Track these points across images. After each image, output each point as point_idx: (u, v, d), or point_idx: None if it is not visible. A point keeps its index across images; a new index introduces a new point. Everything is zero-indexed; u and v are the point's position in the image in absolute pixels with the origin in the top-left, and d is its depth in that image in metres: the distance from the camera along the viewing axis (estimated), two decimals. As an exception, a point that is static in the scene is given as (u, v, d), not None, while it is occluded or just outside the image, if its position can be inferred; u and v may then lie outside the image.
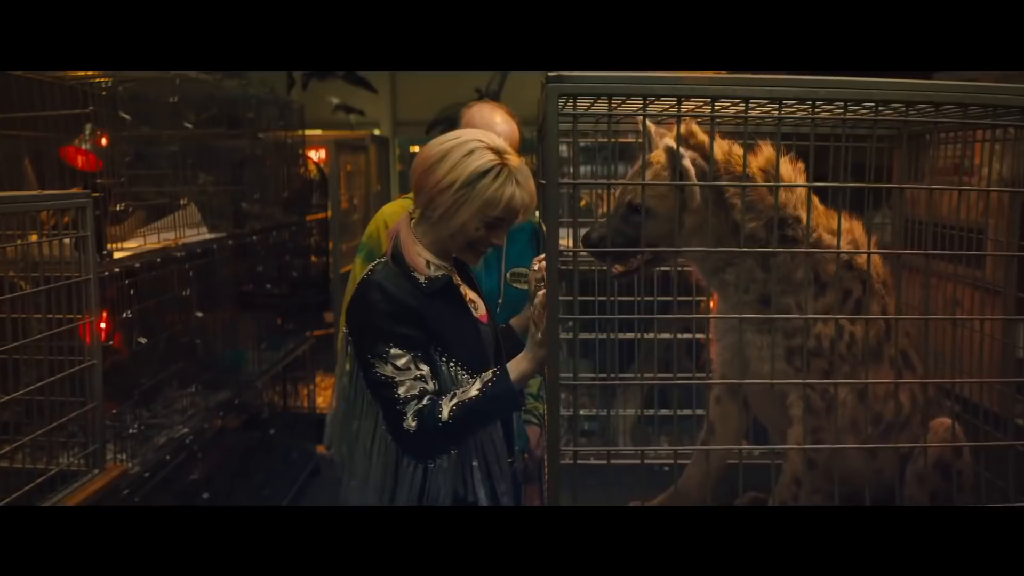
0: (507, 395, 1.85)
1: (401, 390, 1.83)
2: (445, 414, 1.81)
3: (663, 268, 2.19)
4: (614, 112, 1.58)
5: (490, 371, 1.87)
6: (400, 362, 1.84)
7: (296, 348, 4.88)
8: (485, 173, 1.84)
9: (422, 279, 1.89)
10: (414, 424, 1.81)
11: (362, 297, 1.90)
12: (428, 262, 1.92)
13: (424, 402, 1.82)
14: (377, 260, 1.98)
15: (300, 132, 5.17)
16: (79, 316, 2.38)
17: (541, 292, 1.78)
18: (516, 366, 1.84)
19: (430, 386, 1.85)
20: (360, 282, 1.94)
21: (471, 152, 1.86)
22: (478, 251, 1.95)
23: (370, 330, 1.86)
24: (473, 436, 1.90)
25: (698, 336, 2.33)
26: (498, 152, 1.87)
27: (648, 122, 1.78)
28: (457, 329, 1.92)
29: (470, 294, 2.03)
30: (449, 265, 1.96)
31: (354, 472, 1.95)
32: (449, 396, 1.84)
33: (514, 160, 1.89)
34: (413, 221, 1.95)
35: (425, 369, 1.85)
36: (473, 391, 1.83)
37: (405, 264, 1.90)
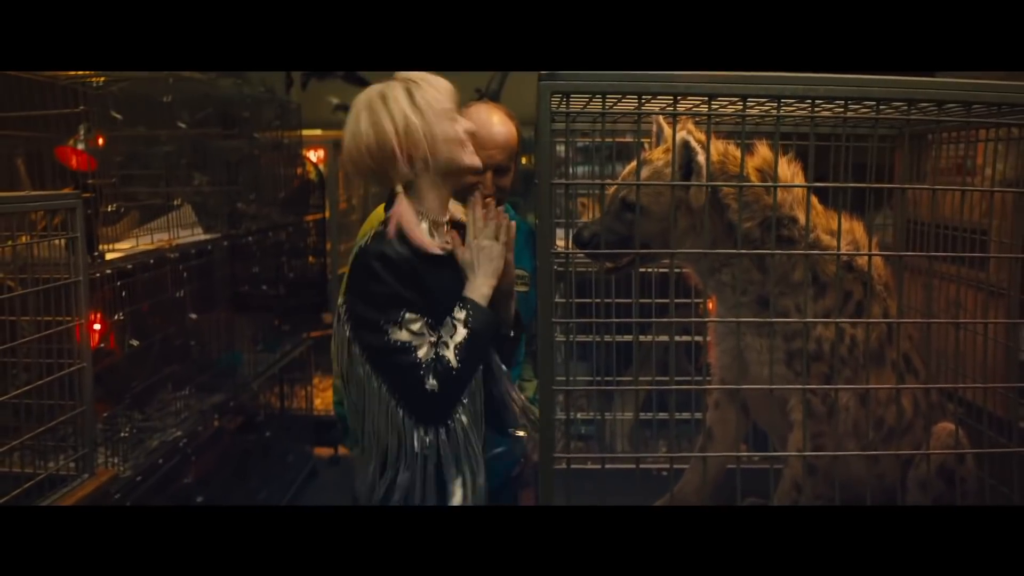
0: (490, 320, 1.92)
1: (420, 353, 1.85)
2: (454, 360, 1.85)
3: (662, 269, 2.16)
4: (609, 111, 1.55)
5: (456, 308, 1.89)
6: (415, 326, 1.86)
7: (293, 350, 4.85)
8: (410, 95, 1.90)
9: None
10: (436, 383, 1.84)
11: (365, 266, 1.88)
12: (433, 234, 1.93)
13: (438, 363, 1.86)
14: (373, 232, 1.95)
15: (298, 132, 5.14)
16: (70, 318, 2.35)
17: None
18: (476, 292, 1.91)
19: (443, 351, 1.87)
20: (359, 254, 1.92)
21: (383, 95, 1.91)
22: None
23: (381, 296, 1.86)
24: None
25: (697, 339, 2.30)
26: (395, 81, 1.93)
27: (661, 118, 1.78)
28: (454, 297, 1.92)
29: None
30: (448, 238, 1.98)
31: (369, 457, 1.94)
32: (441, 345, 1.86)
33: (407, 73, 1.94)
34: (407, 194, 1.94)
35: (435, 335, 1.88)
36: (461, 331, 1.87)
37: (406, 239, 1.90)
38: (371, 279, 1.86)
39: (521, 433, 2.20)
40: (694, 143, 1.67)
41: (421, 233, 1.91)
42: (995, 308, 2.12)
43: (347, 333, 1.93)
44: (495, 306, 1.96)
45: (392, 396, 1.89)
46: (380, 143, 1.89)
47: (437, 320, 1.90)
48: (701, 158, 1.65)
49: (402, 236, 1.89)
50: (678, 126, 1.63)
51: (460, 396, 1.91)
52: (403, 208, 1.92)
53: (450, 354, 1.85)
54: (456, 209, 2.06)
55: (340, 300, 1.97)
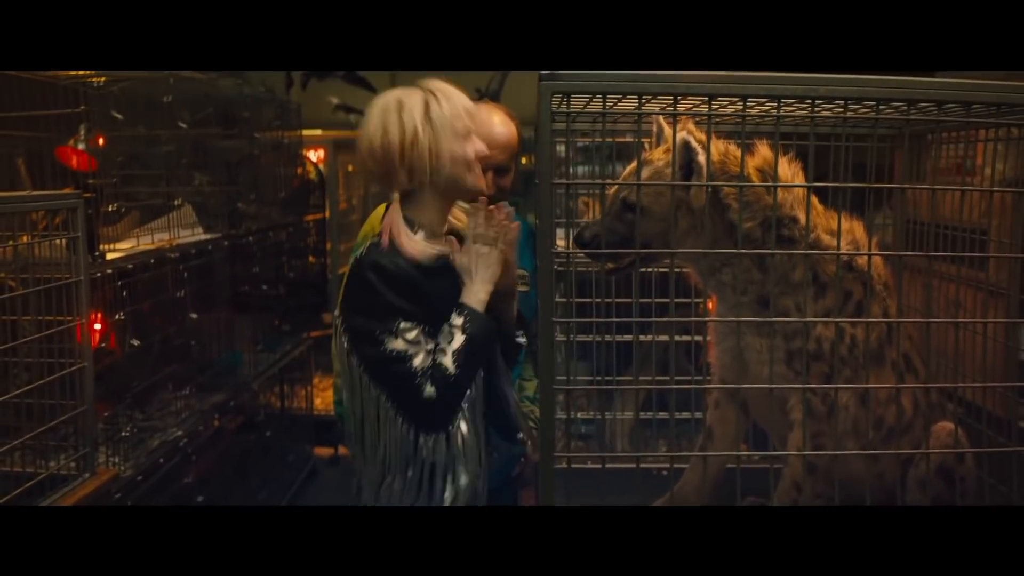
0: (487, 326, 1.91)
1: (416, 362, 1.84)
2: (451, 367, 1.84)
3: (662, 269, 2.17)
4: (609, 111, 1.56)
5: (454, 314, 1.88)
6: (411, 335, 1.85)
7: (293, 349, 4.84)
8: (426, 107, 1.87)
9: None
10: (433, 391, 1.83)
11: (360, 277, 1.88)
12: (424, 248, 1.91)
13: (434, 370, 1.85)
14: (368, 242, 1.96)
15: (298, 132, 5.14)
16: (71, 318, 2.35)
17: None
18: (473, 298, 1.90)
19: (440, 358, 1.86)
20: (354, 264, 1.92)
21: (400, 102, 1.88)
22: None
23: (377, 307, 1.85)
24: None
25: (697, 338, 2.30)
26: (417, 89, 1.91)
27: (662, 119, 1.78)
28: (452, 303, 1.91)
29: None
30: (443, 244, 1.96)
31: (371, 463, 1.94)
32: (439, 352, 1.86)
33: (432, 82, 1.92)
34: (403, 205, 1.93)
35: (432, 343, 1.87)
36: (459, 337, 1.86)
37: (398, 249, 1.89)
38: (365, 290, 1.86)
39: (521, 436, 2.19)
40: (694, 143, 1.67)
41: (412, 244, 1.90)
42: (994, 308, 2.12)
43: (344, 344, 1.93)
44: (496, 310, 1.96)
45: (391, 405, 1.89)
46: (385, 150, 1.87)
47: (435, 327, 1.89)
48: (701, 158, 1.66)
49: (394, 246, 1.89)
50: (678, 126, 1.63)
51: (459, 402, 1.91)
52: (394, 219, 1.91)
53: (448, 361, 1.85)
54: (457, 217, 2.05)
55: (337, 311, 1.97)
